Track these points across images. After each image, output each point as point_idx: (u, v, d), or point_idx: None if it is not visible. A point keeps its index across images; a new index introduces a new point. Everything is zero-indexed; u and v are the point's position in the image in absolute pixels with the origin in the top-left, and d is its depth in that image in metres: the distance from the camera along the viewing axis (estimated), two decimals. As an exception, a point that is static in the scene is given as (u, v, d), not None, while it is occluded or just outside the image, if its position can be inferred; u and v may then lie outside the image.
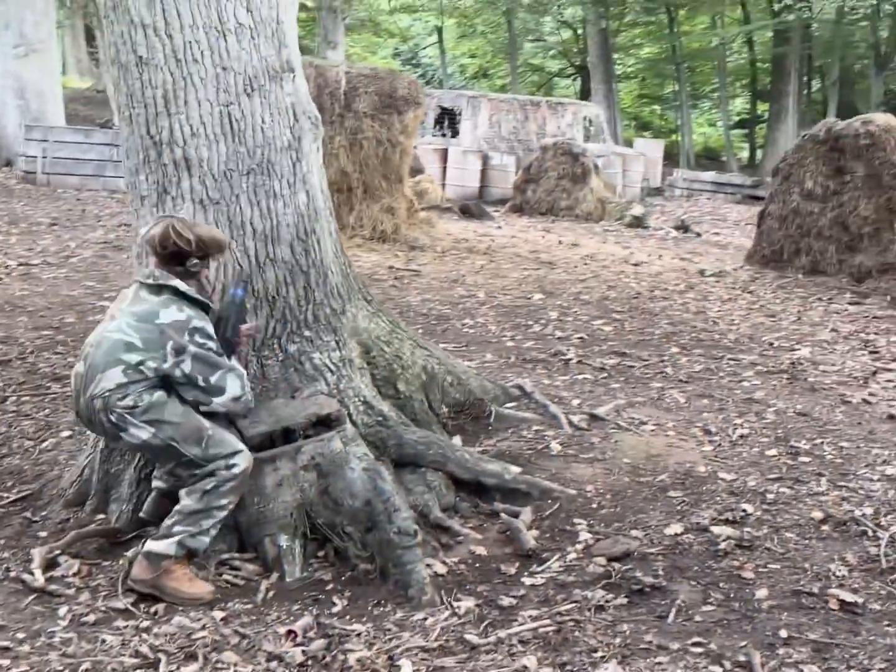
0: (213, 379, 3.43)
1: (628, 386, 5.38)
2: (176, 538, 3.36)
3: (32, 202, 11.54)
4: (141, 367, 3.33)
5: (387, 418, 4.09)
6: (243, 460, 3.45)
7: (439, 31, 33.60)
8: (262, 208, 3.99)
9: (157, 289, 3.44)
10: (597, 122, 21.14)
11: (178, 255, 3.43)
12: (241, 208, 3.95)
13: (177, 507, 3.41)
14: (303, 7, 31.67)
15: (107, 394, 3.32)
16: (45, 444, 4.61)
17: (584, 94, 32.39)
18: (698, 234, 13.91)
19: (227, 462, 3.42)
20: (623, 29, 32.83)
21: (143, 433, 3.34)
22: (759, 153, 33.82)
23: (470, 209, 13.85)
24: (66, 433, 4.73)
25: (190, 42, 3.85)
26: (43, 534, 3.85)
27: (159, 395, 3.36)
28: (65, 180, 14.87)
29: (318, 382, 4.02)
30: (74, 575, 3.55)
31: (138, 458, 3.95)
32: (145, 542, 3.45)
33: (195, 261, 3.48)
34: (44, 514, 4.01)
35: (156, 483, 3.67)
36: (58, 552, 3.65)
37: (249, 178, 3.95)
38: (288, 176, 4.04)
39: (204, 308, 3.50)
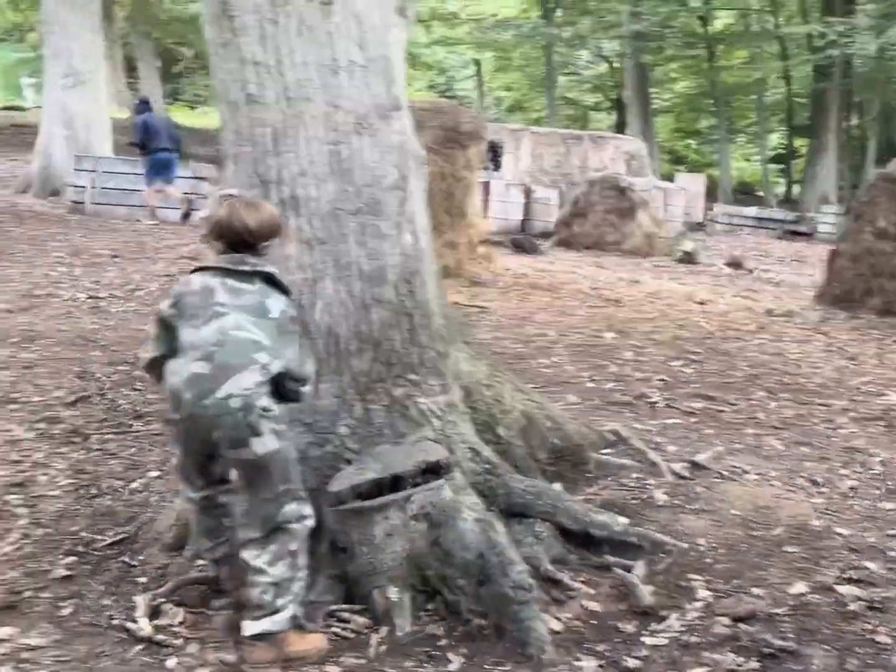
0: (306, 368, 3.33)
1: (722, 432, 5.24)
2: (288, 613, 3.21)
3: (91, 233, 11.58)
4: (268, 367, 3.14)
5: (495, 466, 3.97)
6: (312, 511, 3.33)
7: (477, 64, 33.73)
8: (369, 249, 3.90)
9: (249, 276, 3.23)
10: (639, 156, 21.07)
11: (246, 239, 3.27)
12: (347, 248, 3.87)
13: (266, 580, 3.19)
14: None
15: (247, 392, 3.07)
16: (134, 485, 4.52)
17: (620, 128, 32.39)
18: (750, 271, 13.77)
19: (302, 511, 3.27)
20: (660, 63, 32.87)
21: (275, 442, 3.14)
22: (795, 188, 33.70)
23: (522, 244, 13.79)
24: (154, 473, 4.65)
25: (301, 80, 3.79)
26: (143, 579, 3.74)
27: (282, 407, 3.22)
28: (113, 210, 14.93)
29: (424, 428, 3.91)
30: (180, 624, 3.45)
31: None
32: (246, 623, 3.23)
33: (265, 244, 3.30)
34: (141, 558, 3.91)
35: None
36: (161, 600, 3.56)
37: (357, 217, 3.88)
38: (395, 216, 3.96)
39: (287, 293, 3.34)
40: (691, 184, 22.37)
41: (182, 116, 35.02)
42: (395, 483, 3.68)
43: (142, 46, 28.96)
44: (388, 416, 3.90)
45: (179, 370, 3.15)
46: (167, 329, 3.24)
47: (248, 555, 3.24)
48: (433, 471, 3.70)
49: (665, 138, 37.75)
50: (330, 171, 3.84)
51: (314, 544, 3.81)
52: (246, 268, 3.23)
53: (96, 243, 10.78)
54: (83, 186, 15.32)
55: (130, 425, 5.19)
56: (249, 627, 3.22)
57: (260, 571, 3.22)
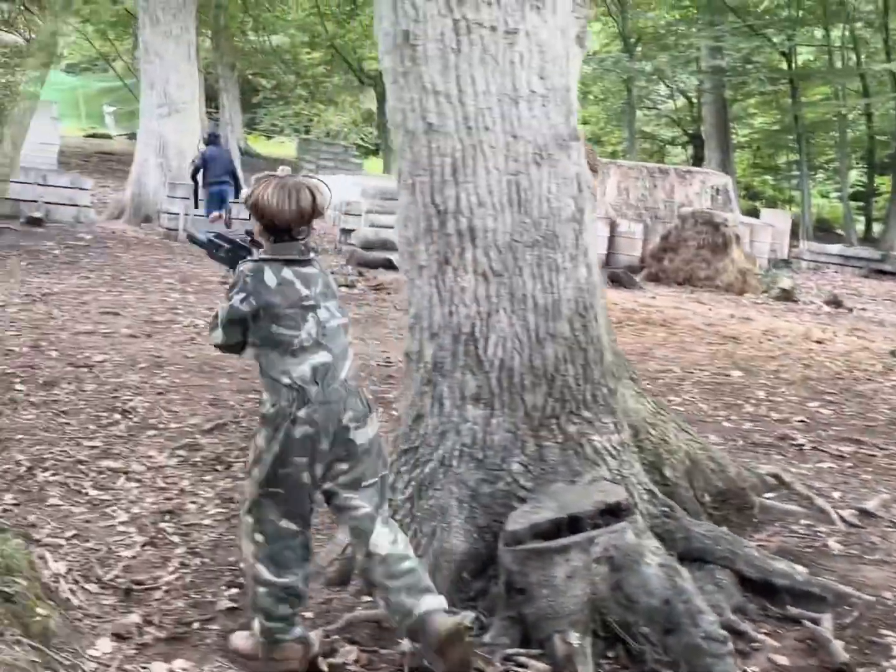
0: None
1: (880, 477, 5.05)
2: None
3: (195, 260, 11.66)
4: None
5: (673, 509, 3.83)
6: None
7: (555, 97, 33.66)
8: (545, 282, 3.82)
9: (309, 262, 3.21)
10: (724, 191, 20.80)
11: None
12: (523, 281, 3.79)
13: (417, 563, 3.21)
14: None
15: (353, 373, 3.27)
16: (285, 516, 4.45)
17: (697, 163, 32.10)
18: (850, 310, 13.45)
19: None
20: (739, 98, 32.59)
21: (377, 423, 3.29)
22: (875, 226, 33.07)
23: (620, 278, 13.63)
24: (303, 504, 4.58)
25: (482, 109, 3.74)
26: (309, 614, 3.66)
27: None
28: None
29: (599, 467, 3.79)
30: (355, 662, 3.36)
31: (411, 535, 3.77)
32: (441, 620, 3.10)
33: (299, 228, 3.13)
34: (303, 592, 3.83)
35: None
36: (335, 636, 3.48)
37: (533, 250, 3.80)
38: (571, 248, 3.87)
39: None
40: (777, 220, 22.04)
41: (259, 146, 35.59)
42: (572, 524, 3.57)
43: (226, 77, 29.43)
44: (563, 453, 3.80)
45: (298, 368, 3.11)
46: (241, 322, 3.15)
47: (383, 541, 3.21)
48: (612, 512, 3.58)
49: (740, 174, 37.36)
50: (508, 202, 3.77)
51: (486, 584, 3.73)
52: (311, 255, 3.22)
53: (203, 270, 10.85)
54: (176, 213, 15.54)
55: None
56: (452, 619, 3.10)
57: (405, 557, 3.21)
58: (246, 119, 35.04)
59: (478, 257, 3.78)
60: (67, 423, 5.46)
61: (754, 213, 26.64)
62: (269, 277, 3.11)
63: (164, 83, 17.47)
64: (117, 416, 5.59)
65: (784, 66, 30.41)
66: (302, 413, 3.11)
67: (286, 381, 3.11)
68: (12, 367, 6.39)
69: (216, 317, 3.24)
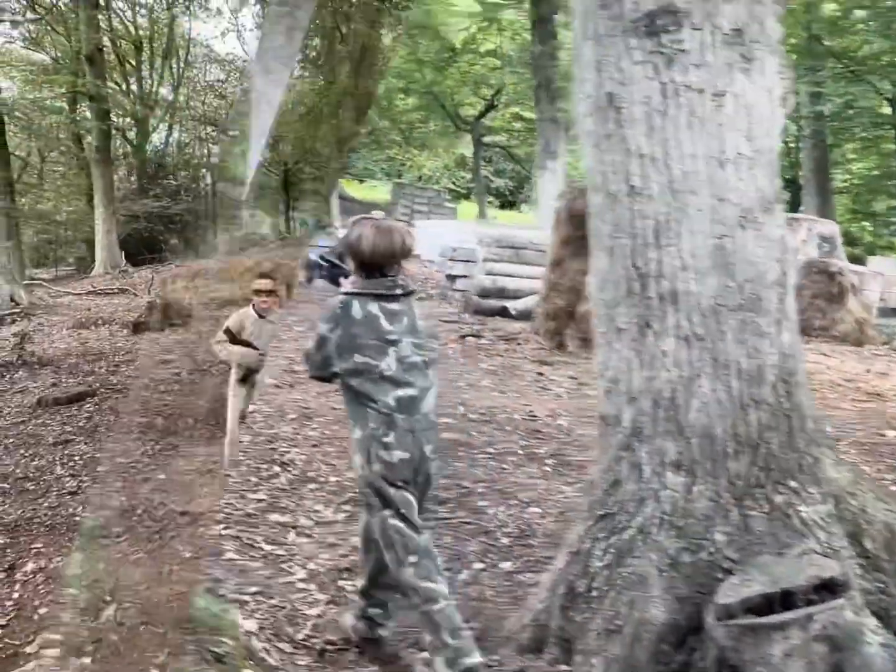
0: None
1: None
2: None
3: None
4: None
5: (887, 584, 3.69)
6: None
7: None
8: (748, 347, 3.73)
9: (401, 298, 3.48)
10: (831, 238, 20.41)
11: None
12: (726, 346, 3.72)
13: None
14: (519, 117, 32.39)
15: (434, 407, 3.51)
16: (462, 577, 4.41)
17: (794, 209, 31.64)
18: (978, 364, 12.99)
19: None
20: (838, 144, 32.11)
21: None
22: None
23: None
24: (479, 565, 4.54)
25: (687, 172, 3.69)
26: (505, 683, 3.61)
27: None
28: (327, 285, 15.27)
29: (808, 539, 3.67)
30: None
31: (609, 604, 3.69)
32: None
33: (392, 267, 3.46)
34: (496, 658, 3.77)
35: None
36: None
37: (737, 314, 3.72)
38: (775, 313, 3.78)
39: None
40: (886, 267, 21.53)
41: (352, 189, 36.13)
42: (783, 598, 3.45)
43: (324, 123, 29.97)
44: (769, 524, 3.68)
45: (384, 396, 3.38)
46: (328, 351, 3.44)
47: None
48: (827, 587, 3.46)
49: (838, 220, 36.66)
50: (712, 266, 3.70)
51: (688, 656, 3.62)
52: (398, 291, 3.46)
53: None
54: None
55: (435, 511, 5.11)
56: None
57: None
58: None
59: (680, 321, 3.72)
60: (229, 475, 5.51)
61: (856, 259, 26.08)
62: (357, 310, 3.41)
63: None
64: (277, 469, 5.63)
65: (885, 110, 29.92)
66: (391, 438, 3.36)
67: (374, 406, 3.37)
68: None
69: (309, 349, 3.55)
